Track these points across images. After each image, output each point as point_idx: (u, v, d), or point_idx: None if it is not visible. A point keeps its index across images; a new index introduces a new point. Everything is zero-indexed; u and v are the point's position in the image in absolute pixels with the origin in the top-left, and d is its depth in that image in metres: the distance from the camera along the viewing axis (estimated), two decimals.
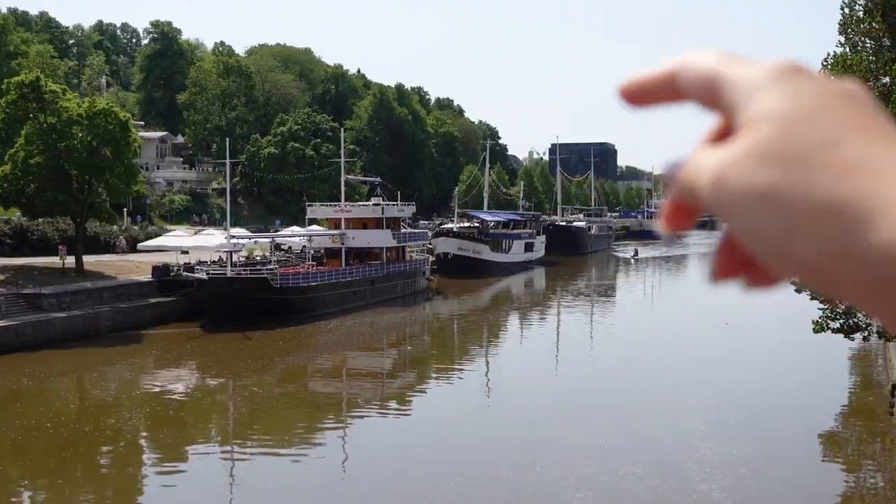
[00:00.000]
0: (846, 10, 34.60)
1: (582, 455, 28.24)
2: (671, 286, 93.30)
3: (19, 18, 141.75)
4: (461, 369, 45.53)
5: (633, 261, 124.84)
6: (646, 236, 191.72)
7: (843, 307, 36.37)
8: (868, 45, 34.27)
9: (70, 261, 57.87)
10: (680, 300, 78.08)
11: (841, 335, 37.27)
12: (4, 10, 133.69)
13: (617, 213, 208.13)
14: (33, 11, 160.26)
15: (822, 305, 36.96)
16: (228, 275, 56.05)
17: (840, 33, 34.56)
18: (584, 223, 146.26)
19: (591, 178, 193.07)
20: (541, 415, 34.36)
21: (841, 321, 36.70)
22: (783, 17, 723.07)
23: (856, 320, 36.70)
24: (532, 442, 30.31)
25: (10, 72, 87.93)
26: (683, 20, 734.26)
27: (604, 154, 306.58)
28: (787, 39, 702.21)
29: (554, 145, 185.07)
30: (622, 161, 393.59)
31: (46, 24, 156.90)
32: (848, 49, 34.36)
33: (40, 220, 64.69)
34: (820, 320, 36.99)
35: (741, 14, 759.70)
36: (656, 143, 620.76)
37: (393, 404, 36.94)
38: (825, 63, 33.92)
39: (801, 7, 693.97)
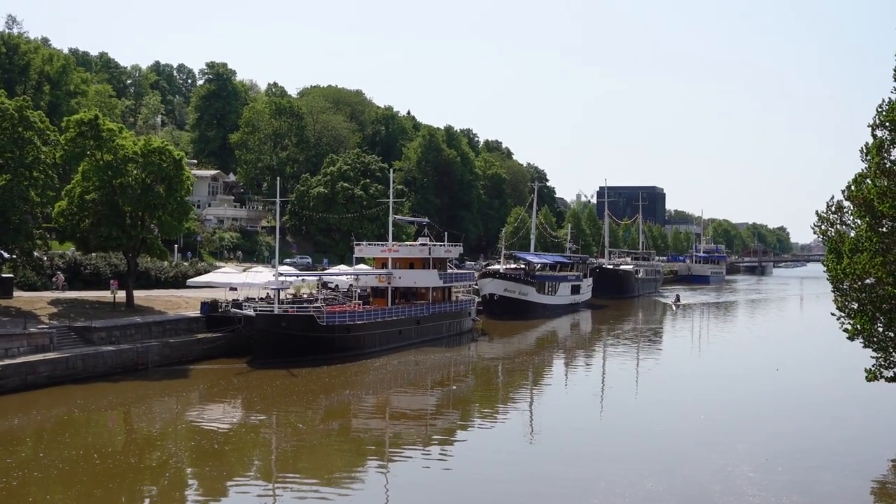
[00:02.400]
0: None
1: (629, 498, 27.79)
2: (720, 331, 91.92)
3: (80, 59, 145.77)
4: (506, 411, 45.18)
5: (674, 307, 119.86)
6: (694, 280, 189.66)
7: None
8: None
9: (121, 295, 58.79)
10: (728, 345, 76.87)
11: (895, 384, 36.42)
12: (66, 51, 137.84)
13: (664, 258, 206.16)
14: (94, 52, 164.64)
15: (875, 353, 36.21)
16: (276, 312, 56.47)
17: (895, 80, 34.16)
18: (631, 266, 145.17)
19: (639, 222, 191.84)
20: (586, 456, 33.95)
21: (895, 370, 35.86)
22: (837, 62, 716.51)
23: None
24: (577, 482, 29.91)
25: (69, 110, 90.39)
26: (735, 60, 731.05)
27: (652, 198, 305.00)
28: (839, 84, 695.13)
29: (602, 188, 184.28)
30: (671, 205, 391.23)
31: (105, 65, 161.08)
32: None
33: (93, 254, 65.90)
34: (873, 368, 36.19)
35: (795, 55, 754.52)
36: (705, 188, 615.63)
37: (436, 444, 36.70)
38: (880, 109, 33.54)
39: (856, 53, 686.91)
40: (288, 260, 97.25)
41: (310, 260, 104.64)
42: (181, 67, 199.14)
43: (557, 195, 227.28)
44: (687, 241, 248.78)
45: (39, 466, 31.23)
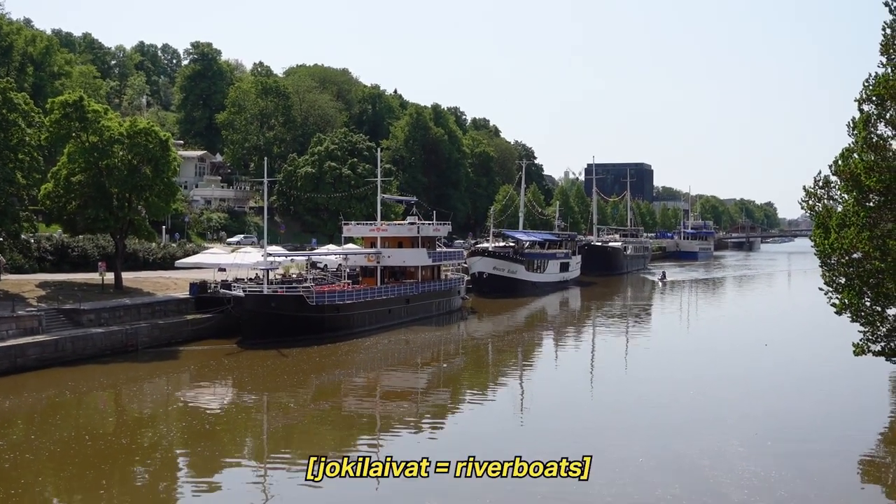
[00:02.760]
0: (888, 31, 34.24)
1: (619, 473, 27.99)
2: (708, 307, 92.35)
3: (63, 39, 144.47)
4: (495, 389, 45.39)
5: (661, 283, 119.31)
6: (682, 257, 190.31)
7: (885, 329, 35.84)
8: None
9: (109, 277, 58.60)
10: (717, 321, 77.29)
11: (882, 357, 36.71)
12: (49, 32, 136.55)
13: (653, 234, 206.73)
14: (77, 32, 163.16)
15: (863, 328, 36.47)
16: (265, 292, 56.43)
17: (882, 53, 34.22)
18: (619, 243, 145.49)
19: (627, 198, 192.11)
20: (577, 432, 34.12)
21: (882, 344, 36.15)
22: (822, 37, 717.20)
23: None
24: (567, 459, 30.02)
25: (54, 91, 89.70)
26: (718, 43, 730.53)
27: (640, 174, 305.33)
28: (817, 57, 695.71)
29: (590, 165, 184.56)
30: (658, 182, 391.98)
31: (89, 45, 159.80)
32: (890, 70, 33.99)
33: (81, 236, 65.61)
34: (861, 343, 36.48)
35: (781, 36, 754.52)
36: (693, 165, 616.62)
37: (427, 422, 36.84)
38: (867, 84, 33.59)
39: (842, 27, 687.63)
40: (234, 239, 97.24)
41: (255, 238, 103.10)
42: (166, 48, 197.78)
43: (545, 173, 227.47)
44: (675, 217, 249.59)
45: (31, 449, 31.22)
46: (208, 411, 38.41)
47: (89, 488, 27.23)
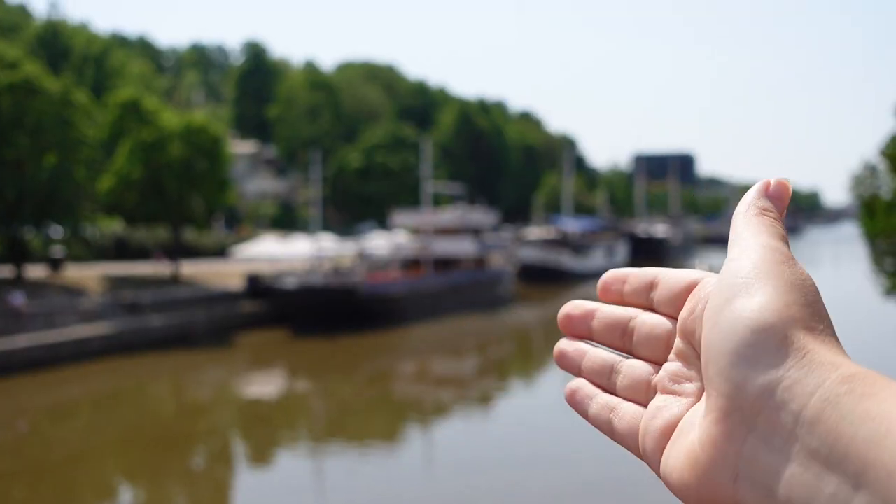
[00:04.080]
0: None
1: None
2: None
3: (119, 41, 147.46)
4: (543, 374, 45.97)
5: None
6: (727, 242, 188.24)
7: None
8: None
9: (166, 268, 60.26)
10: None
11: None
12: (105, 34, 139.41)
13: (698, 222, 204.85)
14: (131, 32, 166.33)
15: None
16: (317, 283, 57.46)
17: None
18: (665, 230, 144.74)
19: (673, 186, 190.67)
20: None
21: None
22: (869, 20, 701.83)
23: None
24: (613, 450, 30.57)
25: (112, 89, 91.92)
26: (767, 22, 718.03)
27: (684, 162, 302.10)
28: (864, 42, 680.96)
29: (634, 154, 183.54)
30: (703, 169, 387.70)
31: (144, 49, 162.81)
32: None
33: (139, 229, 67.41)
34: None
35: (827, 13, 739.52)
36: (736, 152, 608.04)
37: (478, 407, 37.61)
38: (885, 152, 33.60)
39: (889, 9, 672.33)
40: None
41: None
42: (220, 49, 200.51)
43: (590, 161, 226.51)
44: (722, 204, 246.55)
45: (97, 434, 32.66)
46: (264, 398, 39.65)
47: (152, 471, 28.52)
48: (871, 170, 36.52)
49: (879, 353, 47.65)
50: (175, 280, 59.54)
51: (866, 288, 40.88)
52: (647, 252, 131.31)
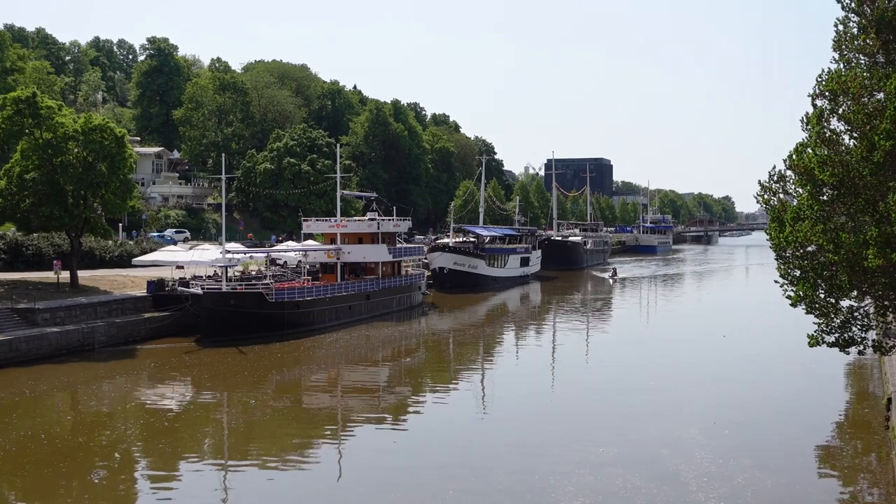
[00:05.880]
0: (840, 28, 34.83)
1: (579, 464, 28.23)
2: (667, 301, 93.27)
3: (16, 34, 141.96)
4: (457, 382, 45.47)
5: (611, 281, 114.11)
6: (642, 250, 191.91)
7: (839, 321, 36.45)
8: (862, 61, 34.51)
9: (65, 276, 57.73)
10: (676, 314, 78.10)
11: (836, 349, 37.34)
12: (1, 27, 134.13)
13: (613, 229, 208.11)
14: (30, 27, 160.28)
15: (817, 319, 37.08)
16: (224, 290, 55.99)
17: (834, 49, 34.80)
18: (579, 238, 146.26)
19: (587, 193, 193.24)
20: (538, 425, 34.37)
21: (836, 335, 36.76)
22: (777, 32, 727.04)
23: (851, 334, 36.75)
24: (529, 451, 30.33)
25: (6, 87, 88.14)
26: (680, 33, 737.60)
27: (600, 169, 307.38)
28: (775, 52, 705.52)
29: (550, 160, 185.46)
30: (618, 176, 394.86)
31: (43, 41, 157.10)
32: (842, 65, 34.58)
33: (35, 235, 64.54)
34: (815, 334, 37.04)
35: (735, 28, 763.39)
36: (651, 160, 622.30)
37: (389, 417, 36.87)
38: (820, 79, 34.13)
39: (796, 23, 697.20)
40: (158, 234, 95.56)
41: (188, 234, 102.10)
42: (122, 43, 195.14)
43: (505, 168, 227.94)
44: (634, 211, 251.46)
45: None
46: (168, 409, 38.06)
47: (47, 488, 26.89)
48: (780, 179, 36.95)
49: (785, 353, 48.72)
50: (74, 288, 57.08)
51: (774, 296, 41.44)
52: (562, 259, 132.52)
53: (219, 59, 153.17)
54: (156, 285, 58.63)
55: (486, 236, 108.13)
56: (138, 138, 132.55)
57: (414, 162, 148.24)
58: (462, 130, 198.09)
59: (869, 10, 33.80)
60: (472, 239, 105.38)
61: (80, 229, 59.51)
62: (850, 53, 34.88)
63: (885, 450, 30.33)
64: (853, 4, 34.38)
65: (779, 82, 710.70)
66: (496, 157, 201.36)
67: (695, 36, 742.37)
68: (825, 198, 34.21)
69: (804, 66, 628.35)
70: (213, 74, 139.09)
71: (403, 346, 58.03)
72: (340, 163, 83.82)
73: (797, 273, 36.59)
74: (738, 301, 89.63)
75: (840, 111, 33.52)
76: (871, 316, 36.61)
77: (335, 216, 76.37)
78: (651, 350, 55.23)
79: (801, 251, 35.92)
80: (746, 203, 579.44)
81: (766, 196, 37.74)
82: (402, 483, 26.88)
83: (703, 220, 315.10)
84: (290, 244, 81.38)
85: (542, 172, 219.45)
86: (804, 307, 36.91)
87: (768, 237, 38.15)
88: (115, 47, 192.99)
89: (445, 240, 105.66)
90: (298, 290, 60.40)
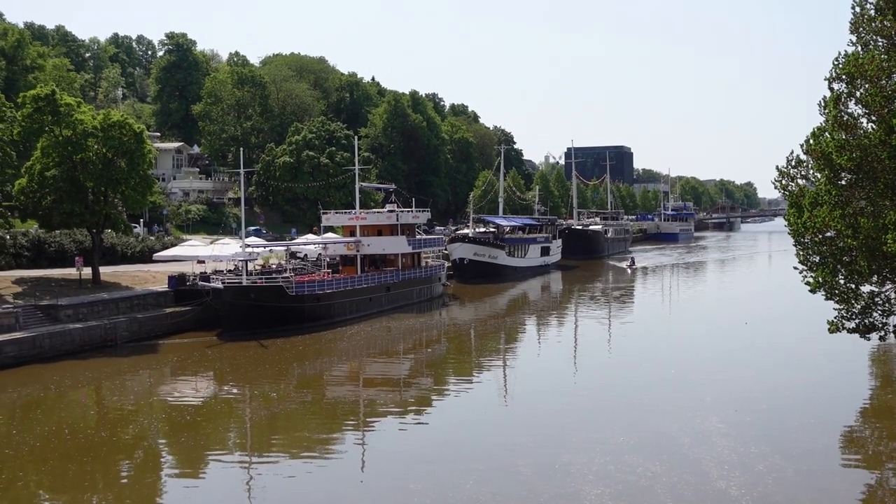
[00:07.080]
0: (857, 9, 34.47)
1: (600, 453, 28.20)
2: (689, 288, 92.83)
3: (36, 32, 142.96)
4: (479, 372, 45.49)
5: (629, 270, 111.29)
6: (663, 238, 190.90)
7: (859, 307, 36.18)
8: (880, 43, 34.14)
9: (87, 272, 58.23)
10: (698, 302, 77.74)
11: (857, 335, 37.08)
12: (21, 25, 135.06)
13: (633, 217, 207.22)
14: (50, 25, 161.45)
15: (837, 305, 36.83)
16: (244, 284, 56.27)
17: (851, 32, 34.48)
18: (600, 227, 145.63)
19: (607, 181, 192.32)
20: (559, 414, 34.36)
21: (856, 321, 36.52)
22: (792, 16, 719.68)
23: (871, 320, 36.48)
24: (551, 440, 30.32)
25: (26, 85, 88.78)
26: (695, 23, 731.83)
27: (620, 157, 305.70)
28: (796, 37, 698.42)
29: (569, 149, 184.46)
30: (638, 164, 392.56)
31: (63, 38, 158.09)
32: (860, 48, 34.24)
33: (57, 232, 65.14)
34: (835, 320, 36.85)
35: (758, 15, 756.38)
36: (672, 146, 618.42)
37: (411, 408, 36.93)
38: (836, 62, 33.81)
39: (811, 5, 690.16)
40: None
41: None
42: (140, 39, 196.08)
43: (525, 157, 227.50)
44: (655, 199, 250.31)
45: (11, 444, 31.13)
46: (190, 403, 38.32)
47: (72, 483, 27.15)
48: (797, 164, 36.62)
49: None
50: (96, 284, 57.55)
51: (794, 283, 41.16)
52: (582, 248, 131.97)
53: (237, 54, 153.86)
54: (177, 280, 59.04)
55: (506, 226, 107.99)
56: (158, 134, 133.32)
57: (433, 153, 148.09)
58: (481, 120, 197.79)
59: None
60: (491, 229, 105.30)
61: (101, 225, 59.97)
62: (868, 35, 34.53)
63: None
64: None
65: (803, 65, 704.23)
66: (515, 146, 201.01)
67: (716, 21, 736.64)
68: (843, 182, 33.95)
69: (829, 49, 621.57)
70: (232, 69, 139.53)
71: (424, 337, 58.10)
72: (359, 155, 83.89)
73: (816, 259, 36.37)
74: (761, 288, 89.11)
75: (857, 94, 33.20)
76: (892, 301, 36.33)
77: (354, 208, 76.54)
78: (673, 339, 55.06)
79: (820, 237, 35.70)
80: (769, 189, 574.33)
81: (783, 182, 37.50)
82: (423, 474, 26.93)
83: (724, 206, 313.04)
84: (310, 237, 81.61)
85: (561, 161, 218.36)
86: (824, 293, 36.70)
87: (787, 223, 37.89)
88: (134, 43, 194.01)
89: (465, 230, 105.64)
90: (318, 283, 60.60)
